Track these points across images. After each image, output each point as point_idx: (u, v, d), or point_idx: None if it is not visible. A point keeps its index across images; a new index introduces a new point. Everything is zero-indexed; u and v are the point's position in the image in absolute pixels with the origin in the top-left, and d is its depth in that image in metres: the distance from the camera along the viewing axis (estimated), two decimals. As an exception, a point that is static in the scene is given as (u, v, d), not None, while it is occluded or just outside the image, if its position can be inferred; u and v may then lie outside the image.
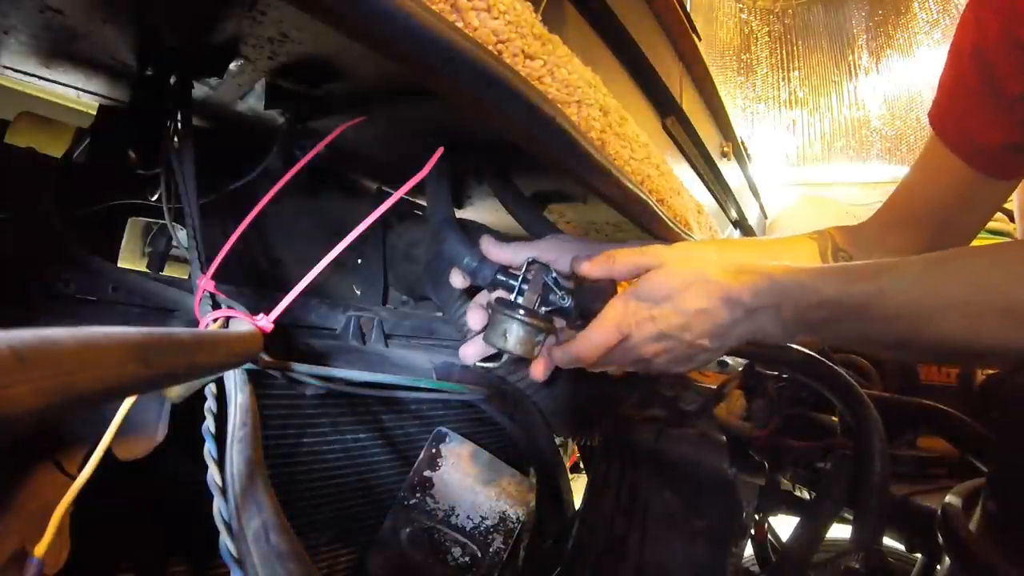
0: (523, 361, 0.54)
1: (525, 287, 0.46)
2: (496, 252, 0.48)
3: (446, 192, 0.50)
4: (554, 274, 0.47)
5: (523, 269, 0.47)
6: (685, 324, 0.43)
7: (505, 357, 0.53)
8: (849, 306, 0.40)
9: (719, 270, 0.42)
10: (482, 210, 0.67)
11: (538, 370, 0.48)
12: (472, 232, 0.50)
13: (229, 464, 0.27)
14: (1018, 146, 0.50)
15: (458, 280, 0.50)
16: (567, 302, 0.46)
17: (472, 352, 0.50)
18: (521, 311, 0.45)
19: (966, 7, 0.51)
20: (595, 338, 0.44)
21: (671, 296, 0.43)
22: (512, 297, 0.46)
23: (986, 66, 0.49)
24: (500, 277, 0.47)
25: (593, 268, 0.45)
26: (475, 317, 0.49)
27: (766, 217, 2.69)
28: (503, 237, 0.50)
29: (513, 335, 0.45)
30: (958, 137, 0.53)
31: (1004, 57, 0.47)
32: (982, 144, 0.52)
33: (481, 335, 0.48)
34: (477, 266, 0.47)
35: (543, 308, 0.46)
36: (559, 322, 0.49)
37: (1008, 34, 0.46)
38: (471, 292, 0.52)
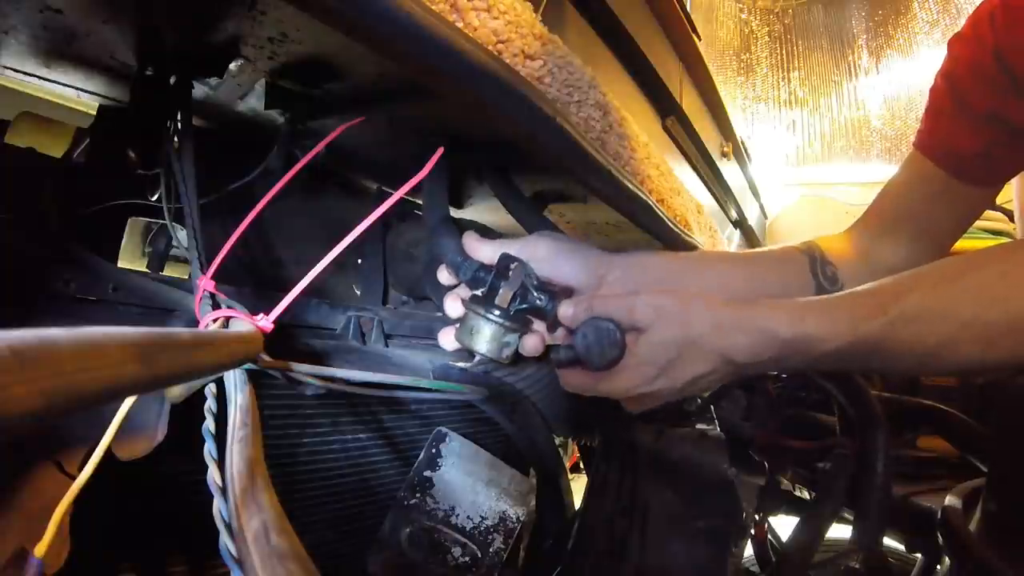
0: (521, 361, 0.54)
1: (501, 285, 0.44)
2: (475, 248, 0.47)
3: (442, 192, 0.50)
4: (533, 272, 0.45)
5: (496, 266, 0.45)
6: (681, 389, 0.43)
7: (477, 357, 0.51)
8: (859, 348, 0.39)
9: (713, 330, 0.41)
10: (482, 210, 0.67)
11: (531, 345, 0.47)
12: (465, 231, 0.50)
13: (229, 464, 0.27)
14: (989, 154, 0.55)
15: (444, 277, 0.50)
16: (546, 303, 0.44)
17: (449, 339, 0.49)
18: (494, 311, 0.43)
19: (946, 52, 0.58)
20: (578, 386, 0.46)
21: (662, 372, 0.42)
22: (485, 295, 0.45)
23: (956, 88, 0.56)
24: (480, 274, 0.46)
25: (573, 315, 0.44)
26: (452, 306, 0.48)
27: (766, 217, 2.69)
28: (494, 234, 0.50)
29: (480, 334, 0.44)
30: (939, 149, 0.58)
31: (970, 79, 0.54)
32: (959, 153, 0.56)
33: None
34: (460, 262, 0.46)
35: (518, 307, 0.44)
36: (537, 324, 0.48)
37: (974, 62, 0.53)
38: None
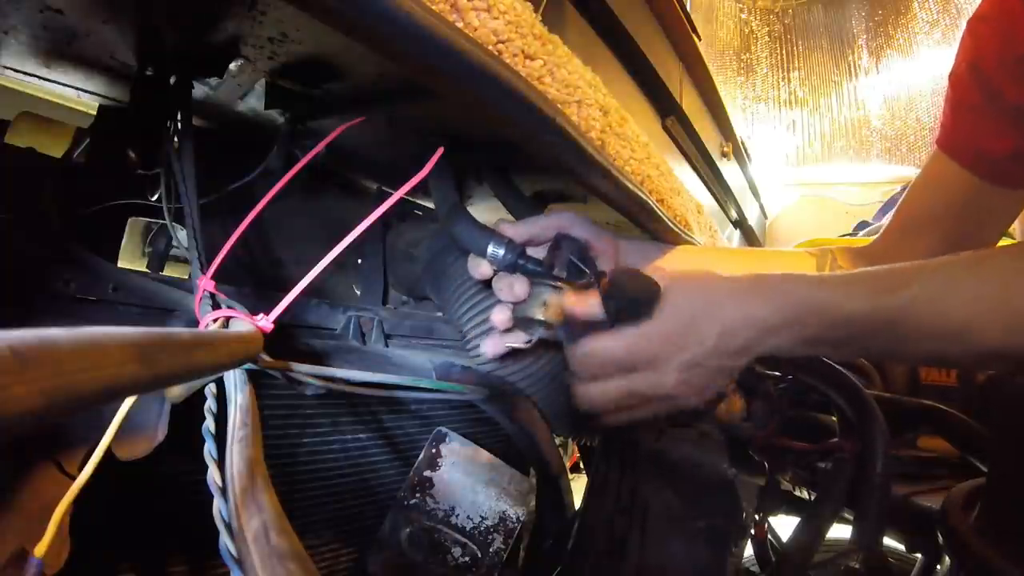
0: (545, 346, 0.53)
1: (556, 260, 0.44)
2: (516, 230, 0.46)
3: (451, 184, 0.49)
4: (580, 245, 0.45)
5: (550, 245, 0.45)
6: (715, 349, 0.39)
7: (535, 336, 0.49)
8: (878, 320, 0.37)
9: (730, 293, 0.39)
10: (482, 210, 0.67)
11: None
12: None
13: (229, 464, 0.27)
14: (1022, 154, 0.50)
15: (483, 269, 0.47)
16: (592, 280, 0.44)
17: (504, 317, 0.47)
18: (559, 281, 0.44)
19: (964, 33, 0.52)
20: (597, 350, 0.41)
21: (689, 330, 0.39)
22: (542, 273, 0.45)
23: (984, 79, 0.50)
24: (521, 261, 0.45)
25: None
26: (520, 285, 0.45)
27: (766, 217, 2.69)
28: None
29: (551, 307, 0.44)
30: (965, 150, 0.53)
31: (1000, 69, 0.48)
32: (988, 154, 0.51)
33: (499, 332, 0.47)
34: (499, 253, 0.45)
35: (575, 280, 0.45)
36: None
37: (1005, 49, 0.47)
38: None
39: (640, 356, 0.40)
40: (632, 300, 0.41)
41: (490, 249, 0.45)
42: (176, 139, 0.42)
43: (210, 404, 0.33)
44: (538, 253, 0.47)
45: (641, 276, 0.42)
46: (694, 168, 1.29)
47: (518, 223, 0.47)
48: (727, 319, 0.39)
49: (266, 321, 0.36)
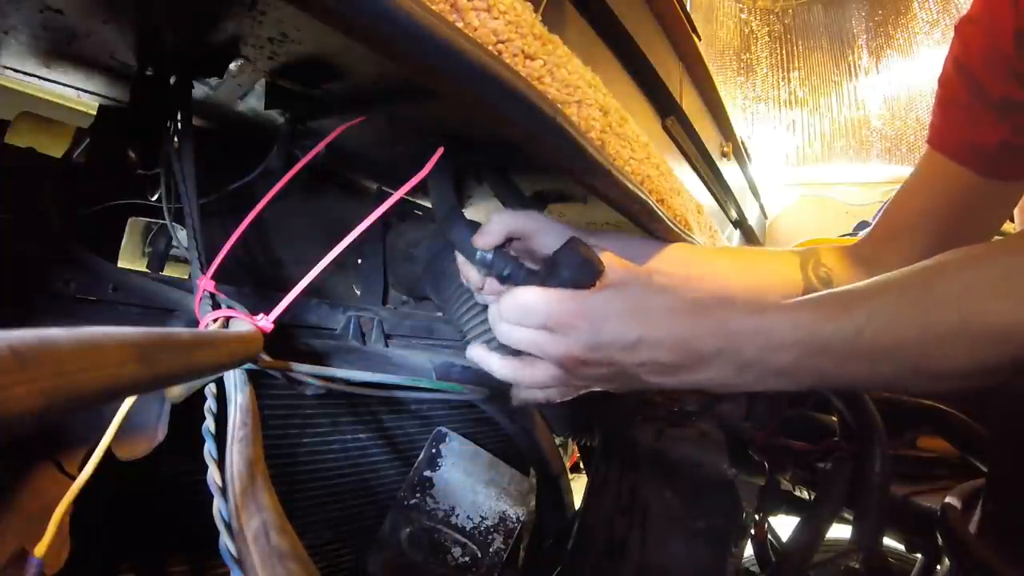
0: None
1: (550, 274, 0.43)
2: (480, 240, 0.45)
3: (449, 185, 0.49)
4: (573, 266, 0.44)
5: (560, 248, 0.43)
6: (632, 346, 0.38)
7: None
8: (821, 349, 0.34)
9: (669, 305, 0.38)
10: (482, 210, 0.67)
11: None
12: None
13: (229, 464, 0.27)
14: (1012, 145, 0.50)
15: (475, 276, 0.47)
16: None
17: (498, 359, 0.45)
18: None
19: (953, 36, 0.53)
20: (521, 301, 0.40)
21: (616, 319, 0.38)
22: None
23: (969, 76, 0.51)
24: (512, 270, 0.45)
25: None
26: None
27: (766, 217, 2.69)
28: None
29: None
30: (956, 145, 0.53)
31: (986, 68, 0.49)
32: (979, 146, 0.52)
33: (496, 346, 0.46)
34: (492, 257, 0.45)
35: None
36: None
37: (992, 49, 0.48)
38: None
39: (555, 318, 0.39)
40: (572, 265, 0.40)
41: (479, 254, 0.45)
42: (176, 139, 0.42)
43: (210, 404, 0.33)
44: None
45: (591, 251, 0.41)
46: (694, 168, 1.29)
47: (478, 232, 0.46)
48: (653, 333, 0.37)
49: (266, 321, 0.36)
